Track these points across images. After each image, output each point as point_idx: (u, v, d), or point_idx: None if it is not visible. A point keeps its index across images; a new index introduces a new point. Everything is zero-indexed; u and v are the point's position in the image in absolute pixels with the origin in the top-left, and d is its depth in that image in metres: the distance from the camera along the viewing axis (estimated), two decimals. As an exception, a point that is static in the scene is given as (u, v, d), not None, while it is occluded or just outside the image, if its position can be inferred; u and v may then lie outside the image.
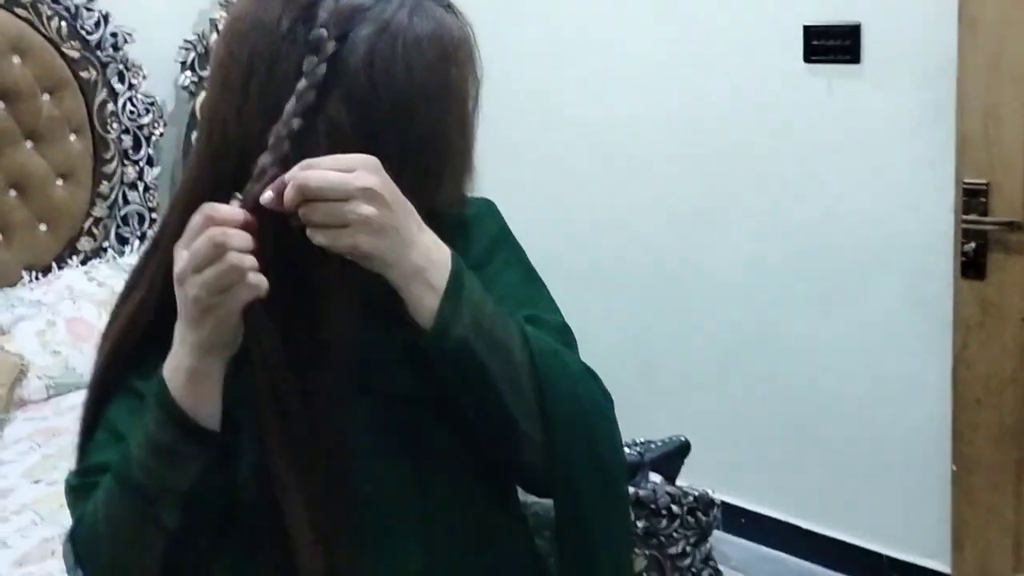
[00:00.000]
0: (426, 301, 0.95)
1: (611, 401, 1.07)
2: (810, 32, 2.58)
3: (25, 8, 2.93)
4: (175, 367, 0.95)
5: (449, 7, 1.04)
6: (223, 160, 0.99)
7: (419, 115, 0.98)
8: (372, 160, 0.92)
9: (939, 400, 2.51)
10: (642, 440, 2.10)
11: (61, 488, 2.27)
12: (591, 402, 1.05)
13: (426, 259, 0.95)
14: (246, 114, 0.97)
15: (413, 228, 0.94)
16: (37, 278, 3.01)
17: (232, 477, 0.99)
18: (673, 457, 2.07)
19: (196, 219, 0.90)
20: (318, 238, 0.91)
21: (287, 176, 0.91)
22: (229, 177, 0.97)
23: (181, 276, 0.90)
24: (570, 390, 1.02)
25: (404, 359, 1.02)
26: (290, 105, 0.94)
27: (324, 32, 0.95)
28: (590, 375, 1.07)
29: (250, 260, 0.90)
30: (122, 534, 0.98)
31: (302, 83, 0.94)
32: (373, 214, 0.90)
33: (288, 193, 0.90)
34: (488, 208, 1.17)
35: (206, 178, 1.01)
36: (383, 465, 1.03)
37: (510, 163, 3.06)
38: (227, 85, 0.99)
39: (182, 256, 0.90)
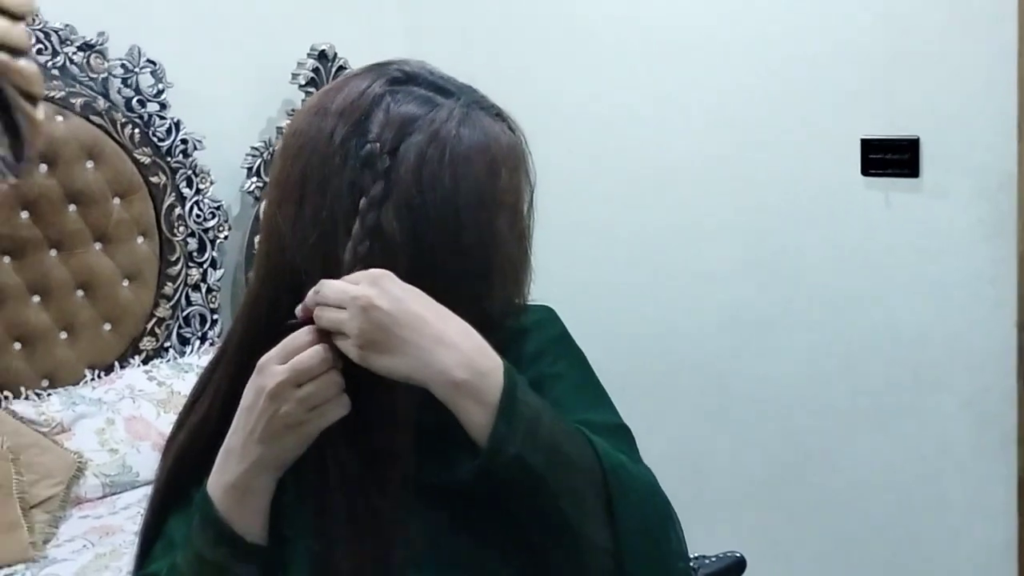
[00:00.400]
0: (475, 417, 0.92)
1: (673, 510, 1.05)
2: (868, 145, 2.59)
3: (100, 115, 3.04)
4: (226, 483, 0.95)
5: (499, 115, 1.06)
6: (281, 274, 1.01)
7: (467, 224, 0.99)
8: (381, 273, 0.93)
9: (1005, 520, 2.44)
10: (696, 555, 2.06)
11: (111, 586, 2.28)
12: (661, 509, 1.02)
13: (470, 371, 0.91)
14: (300, 230, 0.99)
15: (447, 338, 0.92)
16: (99, 376, 3.06)
17: None
18: (728, 574, 2.03)
19: (302, 337, 0.92)
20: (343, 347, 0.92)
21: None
22: (287, 290, 0.99)
23: (278, 390, 0.91)
24: (639, 497, 0.99)
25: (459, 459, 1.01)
26: (356, 229, 0.96)
27: (377, 147, 0.98)
28: (655, 481, 1.04)
29: (341, 379, 0.92)
30: None
31: (363, 203, 0.97)
32: (362, 327, 0.90)
33: (308, 297, 0.93)
34: (548, 314, 1.16)
35: (265, 293, 1.03)
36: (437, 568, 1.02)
37: (564, 270, 3.07)
38: (283, 200, 1.01)
39: (276, 371, 0.91)
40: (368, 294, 0.90)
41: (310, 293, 0.94)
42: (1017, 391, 2.36)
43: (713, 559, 2.08)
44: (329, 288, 0.92)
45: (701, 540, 2.60)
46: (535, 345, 1.11)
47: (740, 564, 2.06)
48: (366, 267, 0.95)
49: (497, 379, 0.92)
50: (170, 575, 0.98)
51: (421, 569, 1.00)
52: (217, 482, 0.96)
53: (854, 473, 2.75)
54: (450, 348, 0.92)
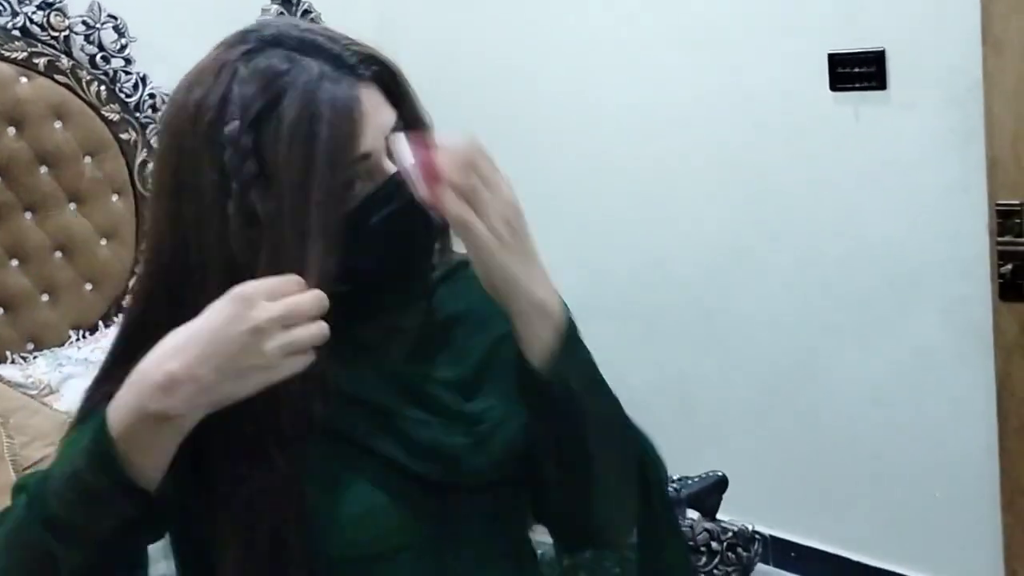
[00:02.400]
0: (544, 333, 0.97)
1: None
2: (835, 60, 2.58)
3: (65, 74, 3.01)
4: (141, 409, 0.88)
5: (365, 60, 1.04)
6: (170, 272, 1.00)
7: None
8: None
9: (985, 426, 2.47)
10: (678, 476, 2.09)
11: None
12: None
13: (551, 295, 0.98)
14: (181, 223, 0.99)
15: (535, 256, 0.98)
16: (84, 337, 3.06)
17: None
18: (711, 493, 2.06)
19: (293, 283, 0.90)
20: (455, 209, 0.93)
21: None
22: (171, 289, 0.99)
23: (267, 325, 0.86)
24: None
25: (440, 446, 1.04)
26: (233, 213, 0.95)
27: (237, 125, 0.96)
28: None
29: (328, 332, 0.90)
30: (16, 558, 0.93)
31: (235, 185, 0.96)
32: (514, 222, 0.95)
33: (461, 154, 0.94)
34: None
35: (152, 290, 1.02)
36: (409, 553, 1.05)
37: (541, 204, 3.07)
38: (161, 194, 1.02)
39: (268, 306, 0.87)
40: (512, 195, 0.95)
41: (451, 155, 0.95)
42: (992, 297, 2.38)
43: (696, 479, 2.11)
44: (486, 164, 0.95)
45: (687, 463, 2.64)
46: (465, 303, 1.13)
47: (722, 483, 2.10)
48: (254, 254, 0.94)
49: (561, 308, 0.99)
50: (40, 485, 0.93)
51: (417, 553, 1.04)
52: (119, 403, 0.89)
53: (836, 388, 2.78)
54: (539, 272, 0.98)
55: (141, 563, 1.00)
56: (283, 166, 0.95)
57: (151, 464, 0.89)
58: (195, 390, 0.87)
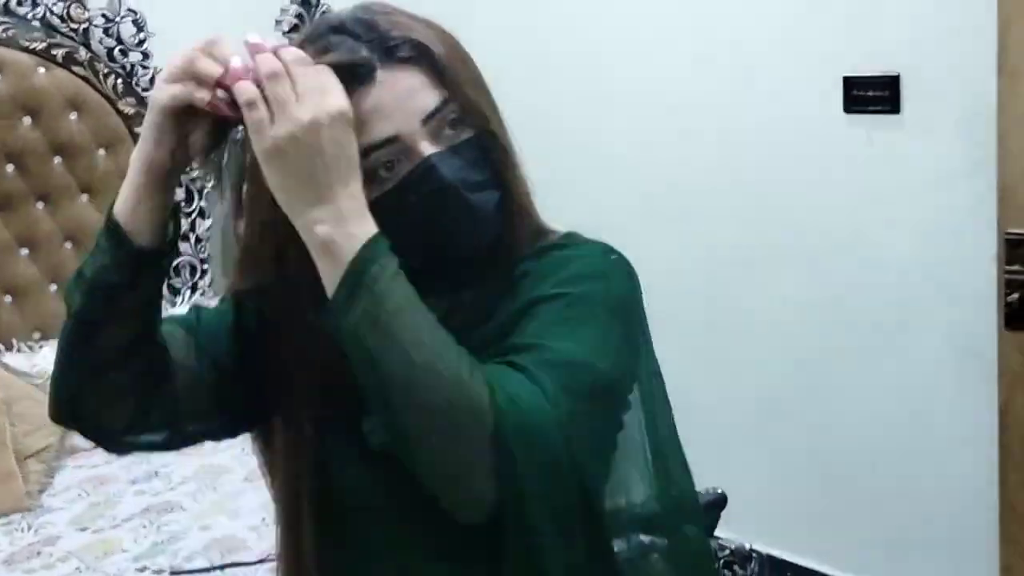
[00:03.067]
0: (327, 276, 0.96)
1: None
2: (850, 83, 2.59)
3: (82, 66, 3.03)
4: (121, 191, 1.04)
5: (408, 60, 1.06)
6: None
7: None
8: (334, 112, 0.95)
9: (986, 454, 2.47)
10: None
11: (106, 536, 2.34)
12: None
13: (335, 229, 0.94)
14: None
15: (332, 193, 0.95)
16: (91, 328, 3.08)
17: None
18: (709, 510, 2.05)
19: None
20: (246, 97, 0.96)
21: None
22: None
23: (157, 87, 1.02)
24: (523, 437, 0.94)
25: None
26: None
27: None
28: (543, 423, 0.95)
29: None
30: (64, 331, 1.07)
31: None
32: (278, 135, 0.94)
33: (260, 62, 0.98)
34: (596, 249, 1.21)
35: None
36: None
37: (548, 209, 3.08)
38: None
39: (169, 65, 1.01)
40: (302, 117, 0.93)
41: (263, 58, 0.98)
42: (997, 325, 2.37)
43: (695, 496, 2.11)
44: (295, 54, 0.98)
45: (686, 478, 2.64)
46: (543, 282, 1.10)
47: (721, 500, 2.09)
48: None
49: (355, 246, 0.94)
50: (76, 278, 1.06)
51: (379, 521, 1.05)
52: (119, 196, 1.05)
53: (838, 409, 2.79)
54: (328, 203, 0.94)
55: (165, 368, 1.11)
56: None
57: (133, 208, 1.04)
58: (134, 163, 1.05)
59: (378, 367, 0.93)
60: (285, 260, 1.05)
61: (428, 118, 1.04)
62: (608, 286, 1.14)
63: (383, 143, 1.02)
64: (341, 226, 0.94)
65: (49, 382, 1.10)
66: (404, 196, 1.03)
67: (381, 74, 1.02)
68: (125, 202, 1.03)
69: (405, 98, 1.03)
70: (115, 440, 1.14)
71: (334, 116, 0.94)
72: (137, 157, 1.03)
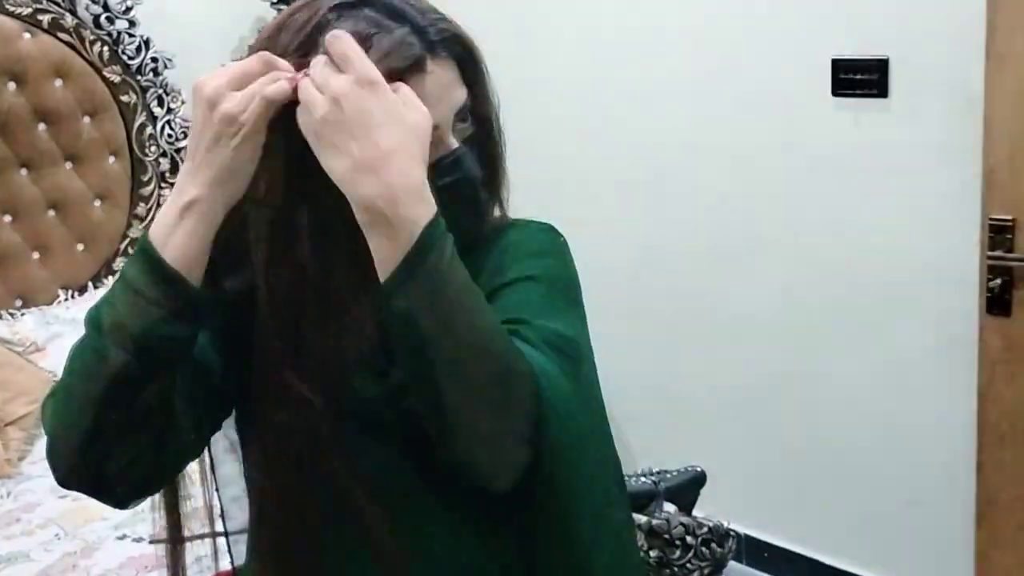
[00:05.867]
0: (382, 254, 0.91)
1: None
2: (838, 66, 2.59)
3: (68, 33, 3.01)
4: (164, 212, 0.96)
5: (448, 40, 1.06)
6: None
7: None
8: (377, 82, 0.92)
9: (964, 436, 2.49)
10: (658, 470, 2.10)
11: (86, 503, 2.34)
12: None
13: (391, 206, 0.90)
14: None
15: (387, 167, 0.90)
16: (73, 297, 3.07)
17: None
18: (689, 487, 2.08)
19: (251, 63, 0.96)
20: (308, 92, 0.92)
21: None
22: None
23: (217, 92, 0.93)
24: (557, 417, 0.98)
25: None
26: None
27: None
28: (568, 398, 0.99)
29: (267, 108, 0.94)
30: (75, 365, 0.98)
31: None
32: (326, 116, 0.90)
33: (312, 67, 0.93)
34: (538, 233, 1.19)
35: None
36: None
37: (535, 193, 3.08)
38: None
39: (215, 76, 0.94)
40: (344, 89, 0.91)
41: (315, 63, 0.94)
42: (979, 311, 2.39)
43: (674, 473, 2.13)
44: (316, 67, 0.93)
45: (670, 458, 2.66)
46: (505, 261, 1.12)
47: (700, 478, 2.11)
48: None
49: (418, 227, 0.90)
50: (97, 304, 0.99)
51: (377, 499, 1.04)
52: (158, 216, 0.97)
53: (819, 391, 2.80)
54: (383, 178, 0.90)
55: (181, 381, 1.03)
56: None
57: (185, 253, 0.95)
58: (186, 182, 0.96)
59: (427, 350, 0.92)
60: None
61: (459, 112, 1.06)
62: (565, 265, 1.18)
63: None
64: (399, 205, 0.90)
65: (51, 443, 1.01)
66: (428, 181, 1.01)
67: (429, 65, 1.03)
68: (173, 236, 0.95)
69: (446, 90, 1.05)
70: (127, 499, 1.07)
71: (377, 84, 0.92)
72: (196, 193, 0.94)
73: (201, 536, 2.11)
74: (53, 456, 1.00)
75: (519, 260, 1.12)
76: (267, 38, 1.04)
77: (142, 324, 0.94)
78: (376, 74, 0.92)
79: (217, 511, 1.93)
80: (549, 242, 1.19)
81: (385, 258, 0.91)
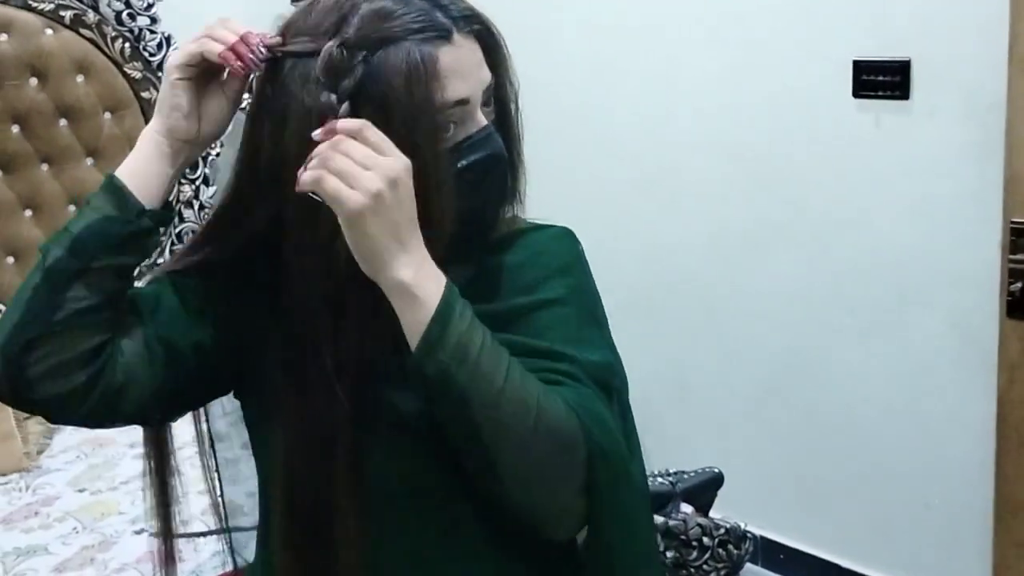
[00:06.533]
0: (410, 317, 0.97)
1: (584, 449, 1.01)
2: (860, 67, 2.58)
3: (90, 29, 3.02)
4: (130, 156, 1.09)
5: (468, 18, 1.08)
6: (258, 184, 1.08)
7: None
8: (407, 162, 0.96)
9: (982, 439, 2.48)
10: (674, 471, 2.10)
11: (104, 497, 2.36)
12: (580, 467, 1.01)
13: (415, 275, 0.97)
14: (276, 139, 1.05)
15: (407, 247, 0.96)
16: (93, 292, 3.08)
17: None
18: (706, 488, 2.07)
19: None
20: (327, 184, 0.94)
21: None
22: (266, 196, 1.06)
23: (172, 57, 1.09)
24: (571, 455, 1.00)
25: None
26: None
27: (343, 51, 1.01)
28: (603, 433, 1.02)
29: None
30: (21, 293, 1.05)
31: (344, 108, 0.99)
32: (379, 192, 0.93)
33: (344, 124, 0.96)
34: (557, 241, 1.20)
35: (244, 195, 1.11)
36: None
37: (551, 187, 3.08)
38: (260, 113, 1.08)
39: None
40: (399, 169, 0.94)
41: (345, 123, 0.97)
42: (999, 312, 2.38)
43: (691, 474, 2.13)
44: (370, 132, 0.96)
45: (683, 456, 2.65)
46: (532, 276, 1.13)
47: (718, 479, 2.11)
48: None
49: (439, 290, 0.98)
50: (59, 234, 1.06)
51: (393, 501, 1.04)
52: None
53: (836, 391, 2.79)
54: (405, 254, 0.96)
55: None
56: (387, 99, 1.00)
57: (133, 171, 1.08)
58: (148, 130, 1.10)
59: (470, 404, 0.96)
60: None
61: (486, 90, 1.08)
62: (587, 278, 1.21)
63: (456, 103, 1.04)
64: (421, 272, 0.97)
65: None
66: (458, 157, 1.05)
67: (457, 38, 1.05)
68: (130, 168, 1.08)
69: (477, 66, 1.07)
70: (54, 410, 1.08)
71: (401, 173, 0.95)
72: (150, 127, 1.08)
73: (201, 535, 2.14)
74: None
75: (548, 278, 1.14)
76: (300, 15, 1.08)
77: (82, 223, 1.04)
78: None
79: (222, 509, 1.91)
80: (571, 253, 1.20)
81: (412, 324, 0.98)
